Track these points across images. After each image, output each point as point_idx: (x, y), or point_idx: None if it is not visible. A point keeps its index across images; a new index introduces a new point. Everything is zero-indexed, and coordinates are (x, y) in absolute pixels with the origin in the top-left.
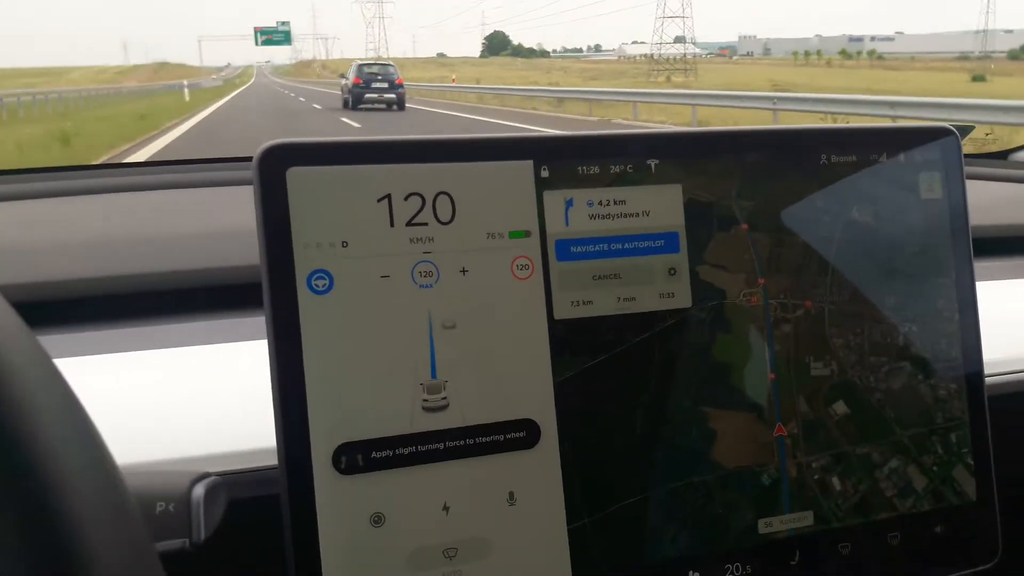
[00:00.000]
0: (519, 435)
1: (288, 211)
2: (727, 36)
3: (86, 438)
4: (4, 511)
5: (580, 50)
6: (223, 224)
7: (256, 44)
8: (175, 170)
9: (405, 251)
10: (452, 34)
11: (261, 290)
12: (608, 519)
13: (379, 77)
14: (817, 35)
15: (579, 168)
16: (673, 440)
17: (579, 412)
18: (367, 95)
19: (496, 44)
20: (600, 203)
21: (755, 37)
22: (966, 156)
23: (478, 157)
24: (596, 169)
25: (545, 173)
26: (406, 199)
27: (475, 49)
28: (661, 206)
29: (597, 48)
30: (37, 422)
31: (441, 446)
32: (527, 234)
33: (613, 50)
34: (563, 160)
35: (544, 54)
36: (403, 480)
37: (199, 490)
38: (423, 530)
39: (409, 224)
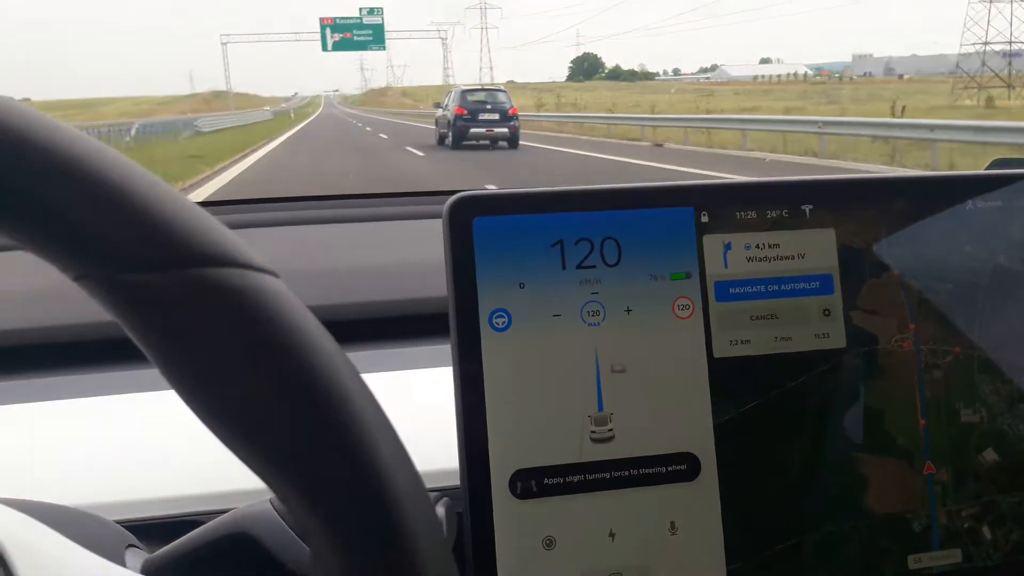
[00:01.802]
0: (680, 467)
1: (473, 256)
2: (820, 56)
3: (405, 454)
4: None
5: (683, 72)
6: (398, 259)
7: (325, 48)
8: (355, 204)
9: (575, 292)
10: (528, 58)
11: (424, 321)
12: (765, 562)
13: (488, 106)
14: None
15: (737, 213)
16: (827, 484)
17: (737, 449)
18: (473, 129)
19: (588, 67)
20: (757, 246)
21: (872, 56)
22: None
23: (643, 205)
24: (753, 214)
25: (705, 218)
26: (576, 244)
27: (558, 73)
28: (815, 249)
29: (709, 68)
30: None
31: (607, 475)
32: (688, 276)
33: (715, 70)
34: (722, 206)
35: (648, 76)
36: (573, 506)
37: (440, 510)
38: (591, 554)
39: (579, 267)
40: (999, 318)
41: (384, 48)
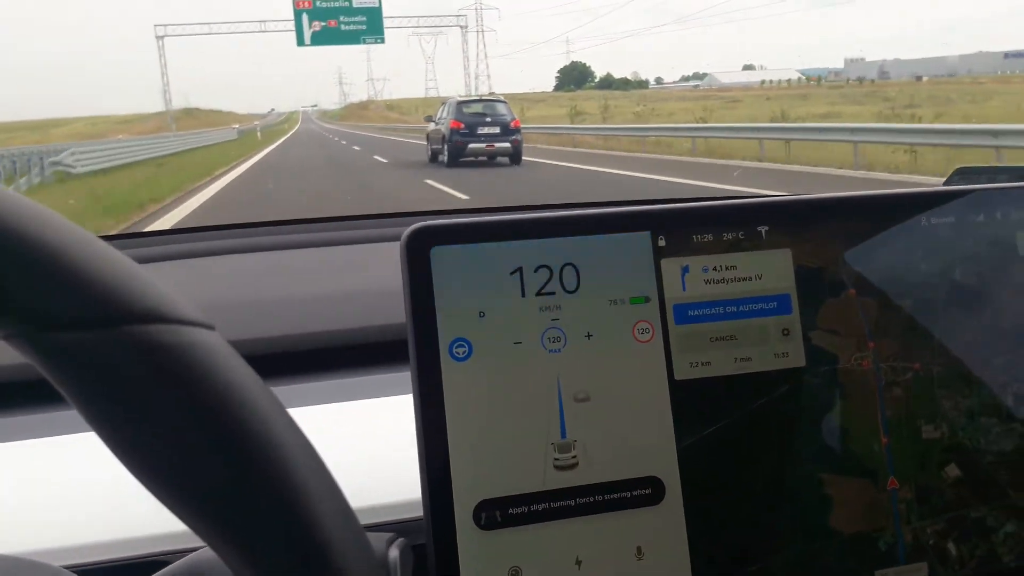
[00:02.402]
0: (645, 492)
1: (432, 286)
2: (819, 61)
3: (344, 503)
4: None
5: (665, 81)
6: (357, 285)
7: (301, 42)
8: (313, 229)
9: (535, 319)
10: (509, 69)
11: (384, 348)
12: None
13: (487, 119)
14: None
15: (693, 237)
16: (793, 504)
17: (702, 472)
18: (472, 144)
19: (576, 76)
20: (714, 268)
21: (864, 60)
22: None
23: (600, 230)
24: (709, 237)
25: (662, 242)
26: (536, 271)
27: (542, 83)
28: (772, 270)
29: (693, 76)
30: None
31: (572, 502)
32: (647, 299)
33: (703, 77)
34: (678, 230)
35: (642, 85)
36: (538, 535)
37: (394, 552)
38: None
39: (539, 294)
40: (957, 333)
41: (383, 40)
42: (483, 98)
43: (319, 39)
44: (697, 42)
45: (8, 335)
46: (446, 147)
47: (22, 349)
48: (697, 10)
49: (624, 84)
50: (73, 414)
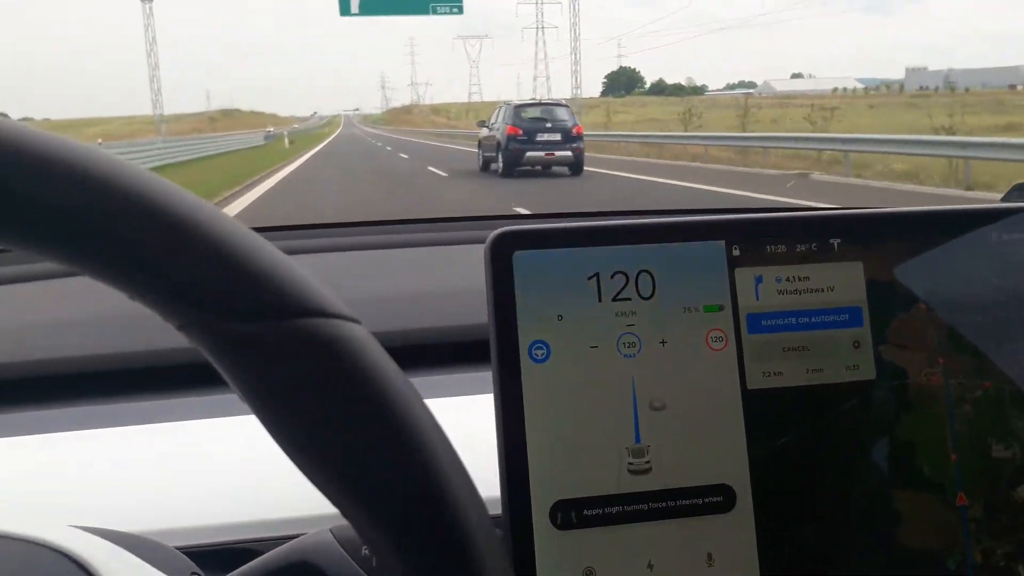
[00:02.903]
0: (716, 499)
1: (514, 289)
2: (869, 71)
3: (474, 488)
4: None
5: (755, 84)
6: (436, 286)
7: (346, 11)
8: (394, 230)
9: (611, 324)
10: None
11: (462, 348)
12: None
13: (547, 124)
14: None
15: (767, 247)
16: (860, 517)
17: (772, 481)
18: (529, 153)
19: (625, 81)
20: (787, 279)
21: (926, 70)
22: None
23: (676, 238)
24: (783, 248)
25: (736, 252)
26: (612, 277)
27: (586, 89)
28: (844, 282)
29: (738, 84)
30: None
31: (645, 507)
32: (720, 308)
33: (753, 85)
34: (752, 240)
35: (697, 91)
36: (612, 537)
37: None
38: None
39: (615, 299)
40: None
41: (461, 10)
42: (542, 101)
43: (368, 8)
44: (743, 50)
45: (183, 324)
46: (501, 155)
47: (196, 338)
48: (742, 16)
49: (678, 90)
50: (182, 402)
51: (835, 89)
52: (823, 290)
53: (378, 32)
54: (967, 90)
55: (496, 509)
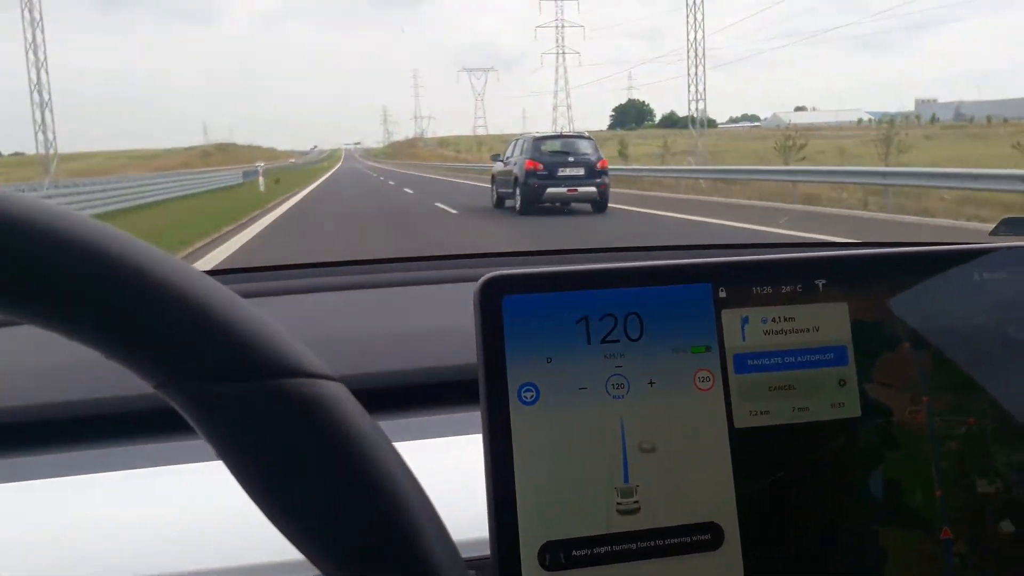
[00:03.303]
0: (704, 537)
1: (503, 332)
2: (873, 104)
3: (450, 541)
4: None
5: (757, 117)
6: (424, 325)
7: None
8: (380, 269)
9: (600, 366)
10: (546, 110)
11: (455, 389)
12: None
13: (569, 159)
14: None
15: (753, 289)
16: (847, 555)
17: (760, 519)
18: (551, 189)
19: (635, 114)
20: (773, 320)
21: (936, 101)
22: None
23: (663, 282)
24: (769, 289)
25: (723, 294)
26: (601, 319)
27: (592, 123)
28: (829, 322)
29: (741, 118)
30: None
31: (633, 546)
32: (708, 349)
33: (765, 119)
34: (738, 282)
35: (711, 124)
36: None
37: None
38: None
39: (603, 341)
40: (1011, 389)
41: None
42: (564, 134)
43: None
44: (744, 84)
45: (160, 383)
46: (519, 191)
47: (173, 398)
48: (744, 53)
49: (691, 123)
50: (149, 448)
51: (859, 121)
52: (808, 330)
53: (380, 66)
54: (1006, 120)
55: (485, 550)
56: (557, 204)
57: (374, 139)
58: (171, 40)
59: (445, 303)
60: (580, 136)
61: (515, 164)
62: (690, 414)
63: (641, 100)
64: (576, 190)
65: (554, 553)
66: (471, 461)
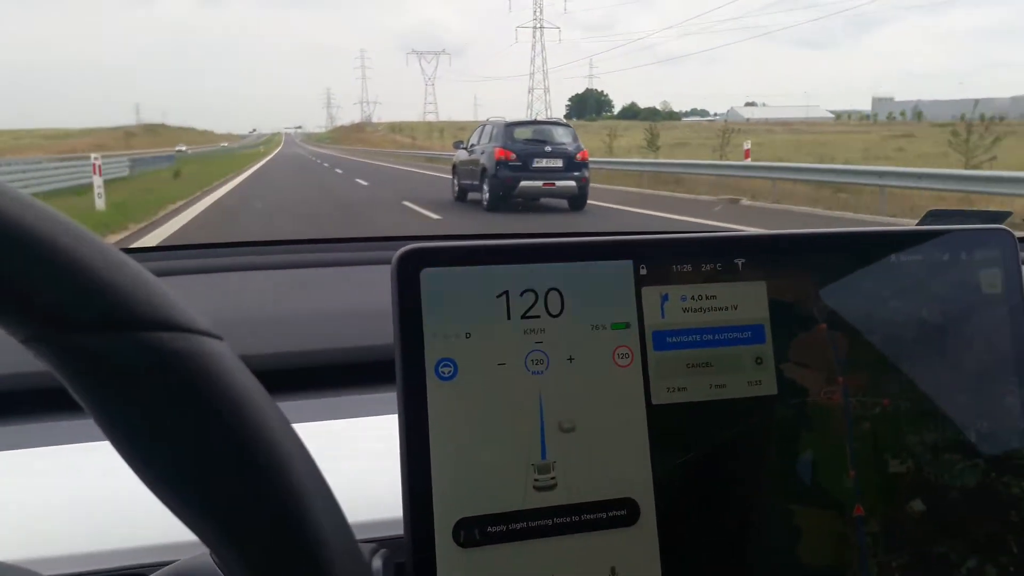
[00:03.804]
0: (620, 513)
1: (421, 306)
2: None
3: (339, 510)
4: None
5: (707, 112)
6: (344, 306)
7: None
8: (302, 249)
9: (519, 341)
10: (495, 96)
11: (371, 368)
12: None
13: (546, 148)
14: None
15: (673, 267)
16: (762, 533)
17: (676, 496)
18: (525, 182)
19: (593, 104)
20: (693, 298)
21: (892, 100)
22: None
23: (584, 257)
24: (689, 267)
25: (643, 271)
26: (521, 295)
27: (551, 112)
28: (748, 301)
29: (692, 112)
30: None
31: (550, 522)
32: (627, 326)
33: (718, 115)
34: (659, 260)
35: (673, 116)
36: (515, 553)
37: (377, 562)
38: None
39: (523, 317)
40: (924, 371)
41: None
42: (539, 120)
43: None
44: (694, 79)
45: (27, 338)
46: (487, 184)
47: (40, 352)
48: (687, 50)
49: (652, 115)
50: (63, 425)
51: (838, 116)
52: (727, 308)
53: (323, 48)
54: (1002, 119)
55: (400, 529)
56: (532, 200)
57: (317, 123)
58: (101, 14)
59: (367, 284)
60: (558, 123)
61: (482, 153)
62: (609, 390)
63: (600, 90)
64: (553, 184)
65: (469, 530)
66: (390, 440)
